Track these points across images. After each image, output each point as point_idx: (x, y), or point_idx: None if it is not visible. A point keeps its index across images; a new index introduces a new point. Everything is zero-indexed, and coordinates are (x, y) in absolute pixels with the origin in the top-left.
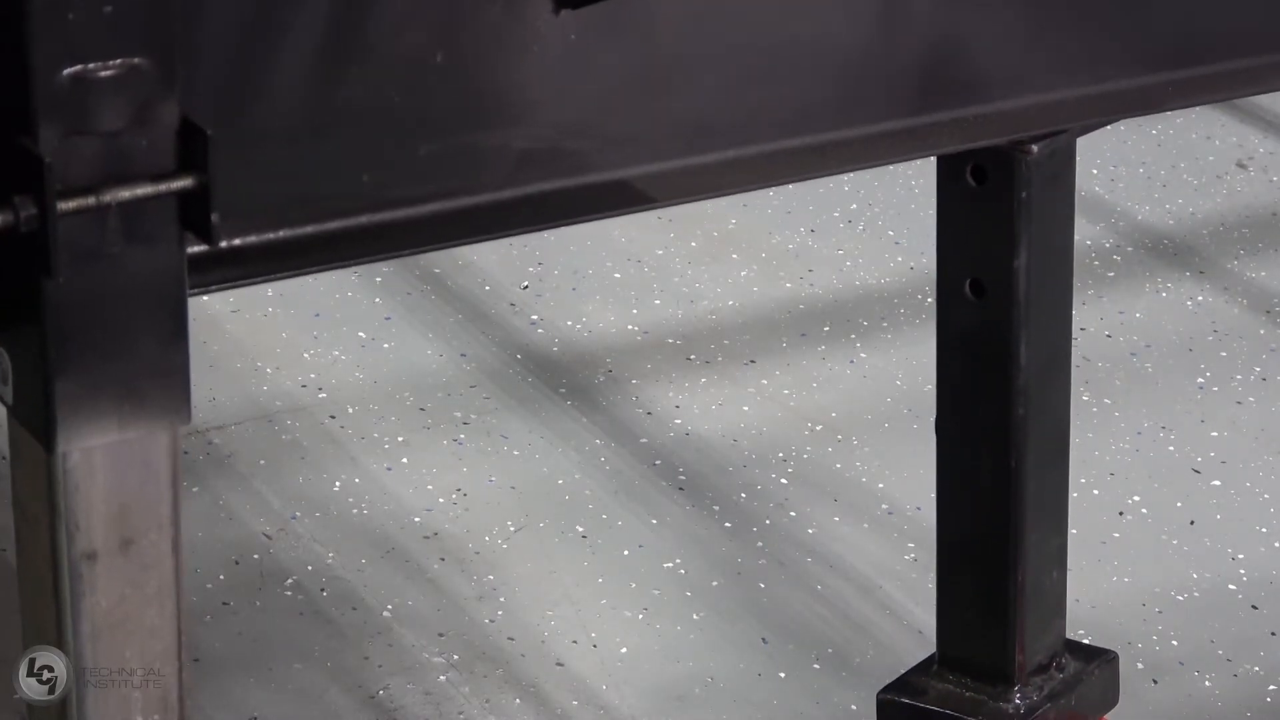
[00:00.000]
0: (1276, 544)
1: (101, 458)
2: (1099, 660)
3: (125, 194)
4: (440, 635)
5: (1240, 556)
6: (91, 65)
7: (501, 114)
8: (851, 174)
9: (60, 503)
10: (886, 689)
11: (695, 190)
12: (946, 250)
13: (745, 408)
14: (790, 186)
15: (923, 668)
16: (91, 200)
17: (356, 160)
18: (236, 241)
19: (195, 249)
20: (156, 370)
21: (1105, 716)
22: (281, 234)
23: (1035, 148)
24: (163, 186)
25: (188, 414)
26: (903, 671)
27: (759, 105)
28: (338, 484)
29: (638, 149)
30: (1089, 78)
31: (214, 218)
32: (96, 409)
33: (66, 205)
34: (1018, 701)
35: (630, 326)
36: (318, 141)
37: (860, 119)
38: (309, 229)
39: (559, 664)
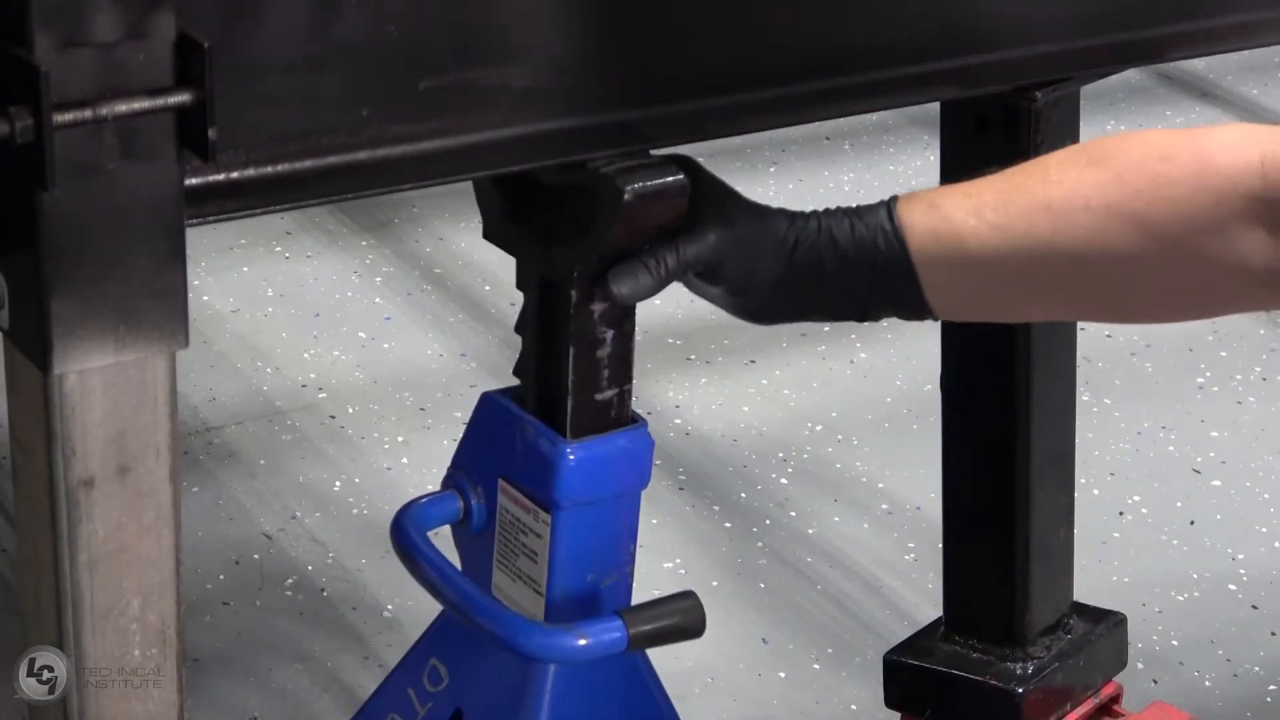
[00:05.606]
0: (1276, 544)
1: (98, 381)
2: (1107, 622)
3: (122, 108)
4: None
5: (1240, 556)
6: None
7: (501, 51)
8: (851, 174)
9: (57, 428)
10: (894, 650)
11: (693, 133)
12: None
13: (745, 408)
14: (790, 185)
15: (929, 630)
16: (88, 113)
17: (355, 95)
18: (235, 174)
19: (195, 180)
20: (154, 292)
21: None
22: (280, 168)
23: (1039, 95)
24: (159, 101)
25: (185, 338)
26: None
27: (759, 50)
28: (338, 484)
29: (639, 90)
30: (1092, 27)
31: (211, 133)
32: (93, 330)
33: (63, 117)
34: (1026, 661)
35: None
36: (316, 75)
37: (863, 65)
38: (307, 163)
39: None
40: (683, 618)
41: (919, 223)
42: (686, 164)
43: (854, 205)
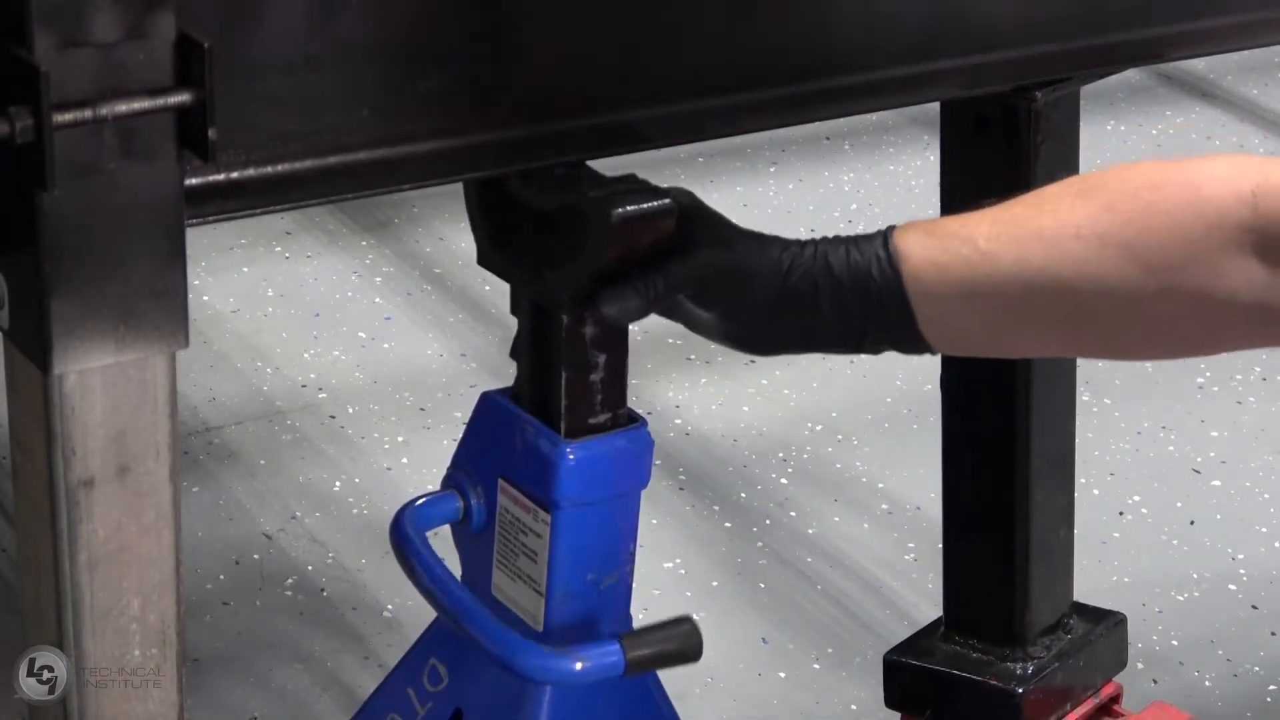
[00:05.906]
0: (1276, 544)
1: (98, 381)
2: (1107, 622)
3: (122, 108)
4: None
5: (1240, 556)
6: None
7: (501, 51)
8: (851, 174)
9: (57, 428)
10: (894, 650)
11: (693, 133)
12: (950, 202)
13: (745, 407)
14: (790, 185)
15: (929, 630)
16: (88, 113)
17: (355, 95)
18: (235, 174)
19: (195, 180)
20: (154, 292)
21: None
22: (280, 168)
23: (1039, 95)
24: (159, 101)
25: (185, 338)
26: None
27: (759, 50)
28: (338, 484)
29: (639, 90)
30: (1092, 27)
31: (211, 133)
32: (93, 330)
33: (63, 117)
34: (1026, 661)
35: (630, 326)
36: (316, 75)
37: (863, 65)
38: (307, 163)
39: None
40: (680, 643)
41: (914, 251)
42: (681, 194)
43: (853, 235)
